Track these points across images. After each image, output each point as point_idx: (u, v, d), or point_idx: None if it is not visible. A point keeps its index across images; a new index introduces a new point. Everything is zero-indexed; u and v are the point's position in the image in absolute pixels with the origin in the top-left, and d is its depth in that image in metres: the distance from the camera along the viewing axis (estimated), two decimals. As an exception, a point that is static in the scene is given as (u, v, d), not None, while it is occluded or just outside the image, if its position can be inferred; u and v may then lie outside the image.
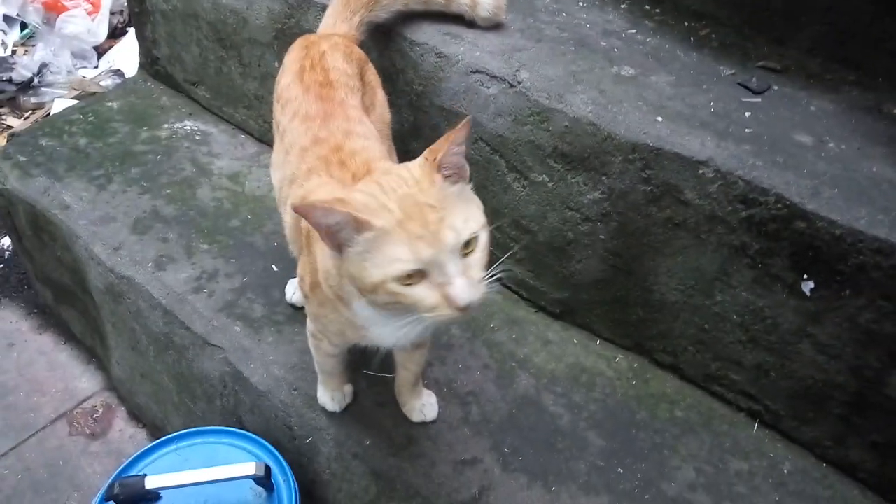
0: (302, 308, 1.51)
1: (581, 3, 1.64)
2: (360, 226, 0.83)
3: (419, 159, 0.89)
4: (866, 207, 1.13)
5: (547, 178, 1.41)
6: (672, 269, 1.35)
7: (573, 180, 1.38)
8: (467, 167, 0.90)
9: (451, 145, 0.85)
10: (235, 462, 1.28)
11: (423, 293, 0.85)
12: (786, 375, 1.30)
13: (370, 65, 1.38)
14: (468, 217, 0.86)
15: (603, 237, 1.39)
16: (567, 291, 1.51)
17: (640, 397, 1.42)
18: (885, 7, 1.35)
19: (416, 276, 0.84)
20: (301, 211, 0.85)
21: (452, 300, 0.83)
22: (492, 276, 0.89)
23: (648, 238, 1.34)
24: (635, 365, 1.48)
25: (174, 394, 1.65)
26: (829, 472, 1.31)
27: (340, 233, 0.85)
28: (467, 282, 0.84)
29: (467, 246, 0.85)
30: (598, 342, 1.52)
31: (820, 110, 1.36)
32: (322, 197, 0.95)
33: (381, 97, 1.36)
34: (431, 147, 0.88)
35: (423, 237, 0.82)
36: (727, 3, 1.52)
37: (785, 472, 1.31)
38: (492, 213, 1.51)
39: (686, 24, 1.56)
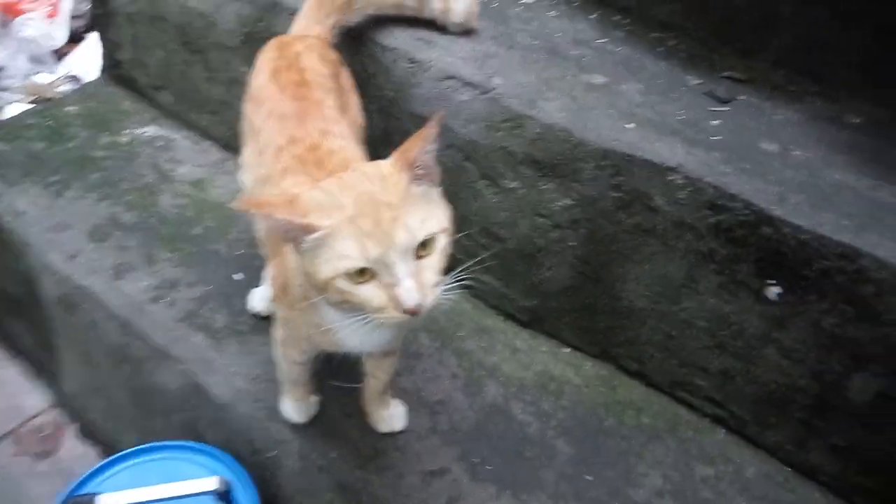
0: (266, 318, 1.47)
1: (552, 13, 1.66)
2: (304, 229, 0.81)
3: (390, 158, 0.87)
4: (831, 213, 1.16)
5: (518, 185, 1.41)
6: (640, 276, 1.35)
7: (544, 187, 1.38)
8: (438, 170, 0.89)
9: (424, 143, 0.84)
10: (195, 478, 1.23)
11: (371, 293, 0.83)
12: (750, 380, 1.31)
13: (345, 67, 1.36)
14: (427, 218, 0.84)
15: (573, 244, 1.39)
16: (536, 299, 1.51)
17: (608, 404, 1.42)
18: (846, 21, 1.40)
19: (366, 274, 0.82)
20: (242, 209, 0.84)
21: (398, 302, 0.81)
22: (451, 283, 0.87)
23: (617, 245, 1.35)
24: (602, 372, 1.48)
25: (129, 409, 1.59)
26: (791, 476, 1.32)
27: (290, 231, 0.83)
28: (416, 285, 0.82)
29: (424, 248, 0.84)
30: (565, 350, 1.52)
31: (785, 120, 1.40)
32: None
33: (354, 101, 1.34)
34: (402, 146, 0.86)
35: (373, 235, 0.80)
36: (694, 15, 1.56)
37: (749, 476, 1.31)
38: (462, 221, 1.51)
39: (654, 34, 1.59)
